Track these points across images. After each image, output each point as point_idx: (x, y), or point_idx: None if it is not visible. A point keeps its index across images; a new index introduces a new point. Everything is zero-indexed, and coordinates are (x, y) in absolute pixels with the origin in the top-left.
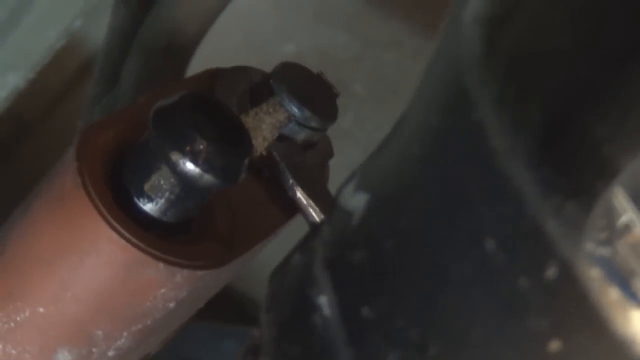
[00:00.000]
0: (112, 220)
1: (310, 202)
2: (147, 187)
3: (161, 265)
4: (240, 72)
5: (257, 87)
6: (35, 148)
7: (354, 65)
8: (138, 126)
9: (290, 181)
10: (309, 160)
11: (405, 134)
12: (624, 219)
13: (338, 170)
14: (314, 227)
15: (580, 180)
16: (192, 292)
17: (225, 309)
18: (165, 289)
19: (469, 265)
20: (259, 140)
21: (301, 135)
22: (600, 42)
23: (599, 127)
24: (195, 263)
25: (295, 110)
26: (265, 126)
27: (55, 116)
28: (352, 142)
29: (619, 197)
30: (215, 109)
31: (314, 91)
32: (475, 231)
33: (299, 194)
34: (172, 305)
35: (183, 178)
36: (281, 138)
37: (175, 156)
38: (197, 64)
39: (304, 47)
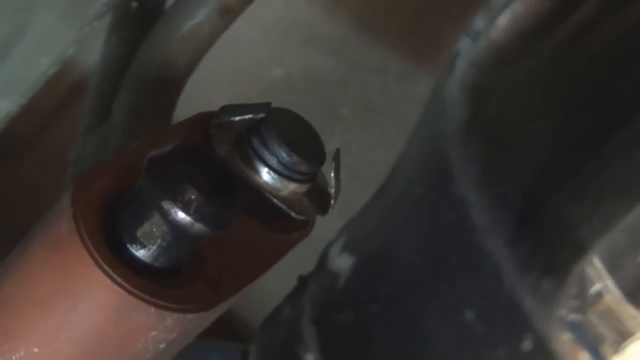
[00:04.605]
0: (105, 266)
1: None
2: (139, 233)
3: (152, 309)
4: (234, 112)
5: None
6: (28, 168)
7: (341, 88)
8: (132, 172)
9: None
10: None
11: (390, 199)
12: (596, 288)
13: None
14: (302, 281)
15: (555, 260)
16: (182, 332)
17: (212, 325)
18: (156, 331)
19: (450, 333)
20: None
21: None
22: (575, 127)
23: (574, 210)
24: (186, 307)
25: (283, 155)
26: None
27: (47, 138)
28: None
29: (595, 266)
30: (207, 159)
31: (303, 138)
32: (456, 301)
33: None
34: (162, 346)
35: (175, 226)
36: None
37: (167, 205)
38: (187, 88)
39: (292, 71)
